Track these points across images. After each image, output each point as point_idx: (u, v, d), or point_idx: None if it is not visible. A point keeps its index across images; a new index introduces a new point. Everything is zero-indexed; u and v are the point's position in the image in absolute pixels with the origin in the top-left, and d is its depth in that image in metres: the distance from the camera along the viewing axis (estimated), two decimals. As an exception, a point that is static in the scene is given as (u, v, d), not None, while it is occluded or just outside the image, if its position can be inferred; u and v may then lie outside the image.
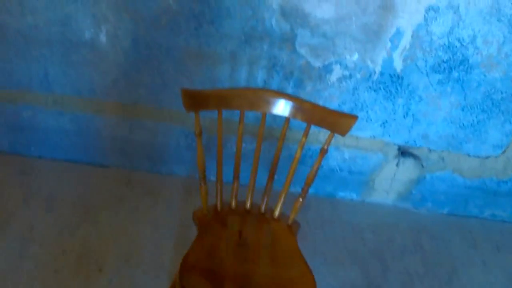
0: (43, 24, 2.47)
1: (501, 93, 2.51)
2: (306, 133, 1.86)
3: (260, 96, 1.88)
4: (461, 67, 2.45)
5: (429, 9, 2.31)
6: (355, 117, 1.76)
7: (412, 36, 2.39)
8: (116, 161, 2.91)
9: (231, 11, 2.38)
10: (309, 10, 2.35)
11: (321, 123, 1.83)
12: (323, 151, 1.82)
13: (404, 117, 2.62)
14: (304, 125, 1.85)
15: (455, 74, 2.47)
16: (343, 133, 1.78)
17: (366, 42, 2.42)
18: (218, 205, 1.95)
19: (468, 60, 2.43)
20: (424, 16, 2.33)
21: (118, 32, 2.47)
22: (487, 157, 2.74)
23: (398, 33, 2.38)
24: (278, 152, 1.93)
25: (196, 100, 1.77)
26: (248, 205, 2.00)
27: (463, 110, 2.57)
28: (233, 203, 1.99)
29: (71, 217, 2.52)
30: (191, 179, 2.93)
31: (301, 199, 1.91)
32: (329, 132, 1.79)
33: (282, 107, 1.87)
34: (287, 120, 1.89)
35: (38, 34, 2.50)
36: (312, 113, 1.85)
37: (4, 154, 2.89)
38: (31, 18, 2.46)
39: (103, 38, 2.49)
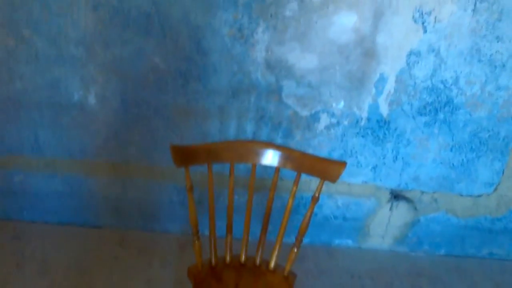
0: (32, 89, 2.40)
1: (488, 131, 2.43)
2: (297, 182, 1.78)
3: (248, 148, 1.83)
4: (447, 108, 2.38)
5: (410, 53, 2.27)
6: (344, 164, 1.70)
7: (396, 81, 2.33)
8: (109, 221, 2.78)
9: (217, 67, 2.32)
10: (293, 61, 2.30)
11: (311, 171, 1.77)
12: (315, 199, 1.74)
13: (394, 161, 2.53)
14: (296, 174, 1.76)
15: (441, 115, 2.40)
16: (333, 179, 1.70)
17: (351, 89, 2.36)
18: (213, 260, 1.84)
19: (452, 101, 2.37)
20: (406, 60, 2.28)
21: (107, 93, 2.40)
22: (479, 196, 2.64)
23: (382, 79, 2.32)
24: (270, 203, 1.83)
25: (185, 155, 1.72)
26: (243, 258, 1.88)
27: (451, 150, 2.49)
28: (228, 257, 1.87)
29: (65, 281, 2.38)
30: (186, 235, 2.80)
31: (295, 249, 1.81)
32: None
33: (271, 157, 1.82)
34: (277, 170, 1.81)
35: (28, 99, 2.43)
36: (301, 162, 1.78)
37: (-3, 220, 2.77)
38: (20, 84, 2.39)
39: (92, 99, 2.42)
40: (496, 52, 2.26)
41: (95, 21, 2.27)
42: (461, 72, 2.30)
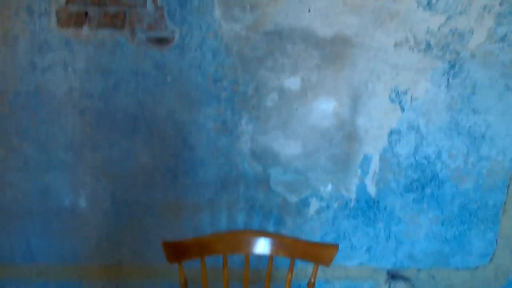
0: (23, 197, 2.06)
1: (476, 202, 2.09)
2: (291, 269, 1.48)
3: (240, 238, 1.59)
4: (433, 183, 2.05)
5: (391, 133, 1.98)
6: (336, 246, 1.51)
7: (380, 160, 2.02)
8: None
9: (205, 160, 2.01)
10: (278, 149, 2.00)
11: (304, 257, 1.53)
12: (311, 285, 1.53)
13: (387, 240, 2.15)
14: (291, 263, 1.41)
15: (428, 190, 2.07)
16: (327, 263, 1.47)
17: (337, 172, 2.04)
18: None
19: (438, 176, 2.04)
20: (388, 140, 1.99)
21: (97, 195, 2.06)
22: (476, 268, 2.23)
23: (366, 159, 2.02)
24: (266, 295, 1.45)
25: (177, 251, 1.50)
26: None
27: (443, 224, 2.13)
28: None
29: None
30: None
31: None
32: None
33: (263, 246, 1.58)
34: (270, 258, 1.49)
35: (19, 207, 2.07)
36: (293, 248, 1.56)
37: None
38: (10, 192, 2.05)
39: (82, 202, 2.07)
40: (474, 124, 1.98)
41: (82, 125, 1.98)
42: (442, 146, 2.01)
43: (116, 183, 2.03)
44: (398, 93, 1.91)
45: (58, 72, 1.92)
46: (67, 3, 1.85)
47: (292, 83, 1.92)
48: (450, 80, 1.90)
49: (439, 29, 1.85)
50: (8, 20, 1.86)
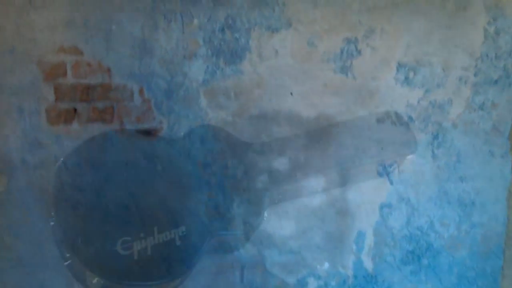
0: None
1: (474, 269, 1.69)
2: None
3: None
4: (428, 253, 1.66)
5: (382, 206, 1.62)
6: None
7: (374, 235, 1.64)
8: None
9: (198, 246, 1.62)
10: (272, 230, 1.62)
11: None
12: None
13: (388, 314, 1.71)
14: None
15: (424, 261, 1.67)
16: None
17: (332, 249, 1.65)
18: None
19: (432, 246, 1.66)
20: (380, 213, 1.63)
21: (91, 289, 1.63)
22: (481, 337, 1.77)
23: (360, 235, 1.64)
24: None
25: None
26: None
27: (443, 294, 1.70)
28: None
29: None
30: None
31: None
32: None
33: None
34: None
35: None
36: None
37: None
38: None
39: (76, 299, 1.63)
40: (462, 191, 1.63)
41: (75, 220, 1.59)
42: (434, 216, 1.64)
43: (110, 275, 1.60)
44: (385, 167, 1.57)
45: (49, 168, 1.55)
46: (56, 100, 1.52)
47: (281, 163, 1.58)
48: (435, 150, 1.56)
49: (418, 102, 1.55)
50: (-2, 121, 1.53)
